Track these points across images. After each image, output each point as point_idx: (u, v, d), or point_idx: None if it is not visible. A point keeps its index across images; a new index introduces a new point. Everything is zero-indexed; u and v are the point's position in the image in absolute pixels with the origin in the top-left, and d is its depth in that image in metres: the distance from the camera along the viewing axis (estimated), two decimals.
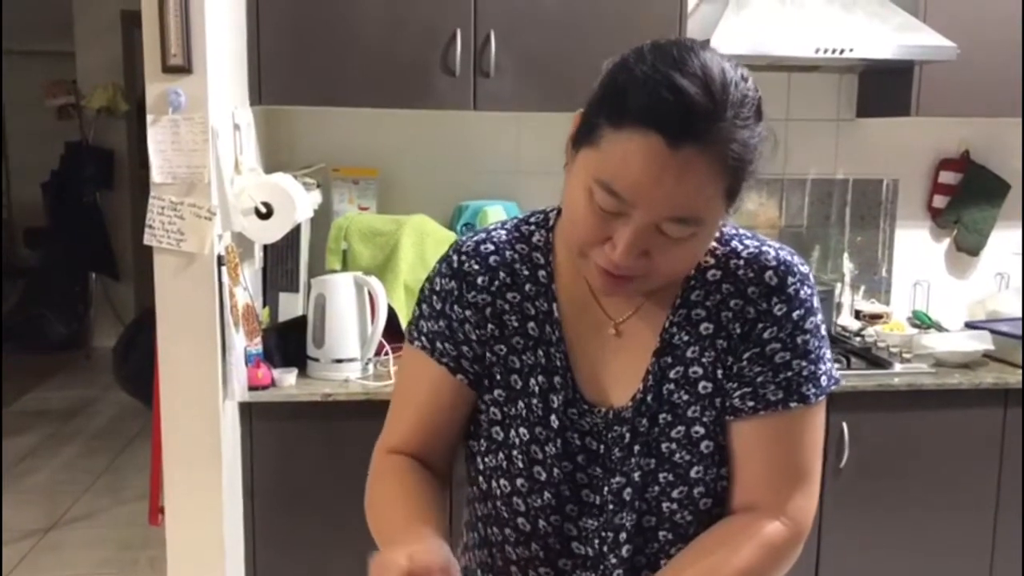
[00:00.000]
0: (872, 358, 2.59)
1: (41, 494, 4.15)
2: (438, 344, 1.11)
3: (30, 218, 6.73)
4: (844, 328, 2.86)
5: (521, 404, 1.08)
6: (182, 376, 2.13)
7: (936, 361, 2.57)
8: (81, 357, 6.31)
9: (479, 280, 1.10)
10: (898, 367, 2.52)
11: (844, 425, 2.42)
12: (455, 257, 1.12)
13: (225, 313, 2.12)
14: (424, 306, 1.13)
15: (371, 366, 2.44)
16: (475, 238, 1.13)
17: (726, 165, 0.92)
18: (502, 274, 1.10)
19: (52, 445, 4.76)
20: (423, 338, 1.12)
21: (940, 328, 2.88)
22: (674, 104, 0.90)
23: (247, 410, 2.29)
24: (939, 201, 3.00)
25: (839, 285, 2.93)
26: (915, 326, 2.92)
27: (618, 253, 0.95)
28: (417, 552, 0.92)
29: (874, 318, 2.88)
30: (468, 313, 1.10)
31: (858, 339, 2.76)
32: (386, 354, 2.44)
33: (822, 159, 2.96)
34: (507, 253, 1.11)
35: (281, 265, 2.62)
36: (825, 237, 2.99)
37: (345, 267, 2.62)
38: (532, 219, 1.14)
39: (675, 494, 1.05)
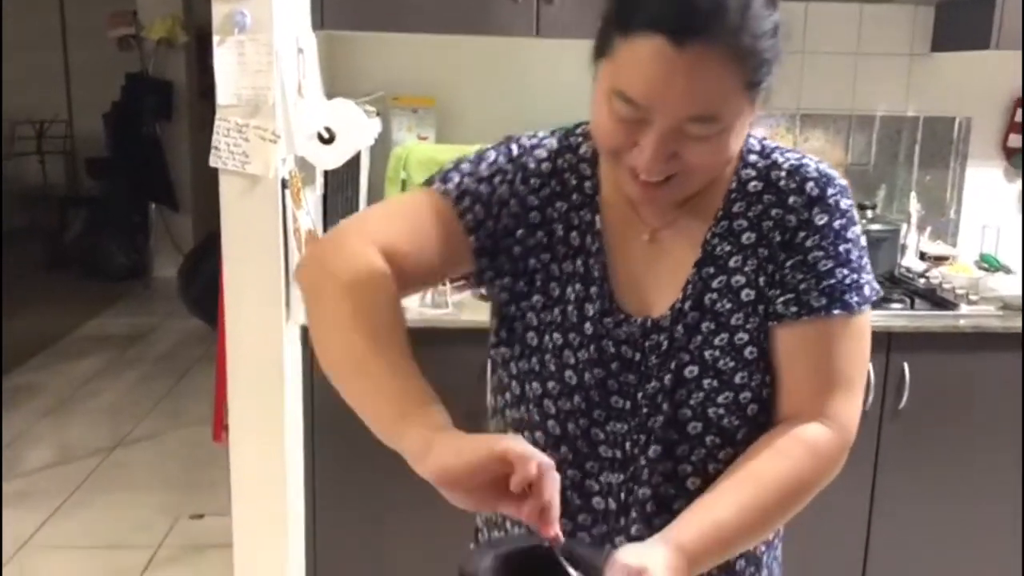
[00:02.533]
0: (937, 299, 2.54)
1: (105, 415, 4.30)
2: (467, 201, 1.09)
3: (92, 149, 6.86)
4: (908, 269, 2.80)
5: (557, 311, 1.10)
6: (246, 298, 2.17)
7: (1003, 304, 2.51)
8: (141, 286, 6.46)
9: (532, 181, 1.12)
10: (964, 309, 2.47)
11: (905, 366, 2.39)
12: (515, 147, 1.13)
13: (288, 237, 2.14)
14: (467, 164, 1.12)
15: (429, 295, 2.45)
16: (530, 142, 1.14)
17: (738, 58, 0.94)
18: (553, 182, 1.12)
19: (115, 369, 4.90)
20: (452, 187, 1.10)
21: (1009, 271, 2.81)
22: (676, 4, 0.92)
23: (308, 334, 2.32)
24: (1014, 140, 2.90)
25: (905, 226, 2.86)
26: (982, 269, 2.85)
27: (646, 159, 0.98)
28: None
29: (939, 260, 2.81)
30: (513, 202, 1.11)
31: (922, 280, 2.71)
32: (444, 285, 2.45)
33: (892, 95, 2.87)
34: (558, 161, 1.13)
35: (341, 193, 2.63)
36: (892, 176, 2.92)
37: None
38: (579, 130, 1.16)
39: (721, 399, 1.06)
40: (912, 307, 2.48)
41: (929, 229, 2.92)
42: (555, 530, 0.90)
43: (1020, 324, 2.40)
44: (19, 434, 4.05)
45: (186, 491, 3.54)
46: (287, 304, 2.20)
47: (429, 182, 1.13)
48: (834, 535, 2.46)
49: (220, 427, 2.34)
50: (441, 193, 1.11)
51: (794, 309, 1.05)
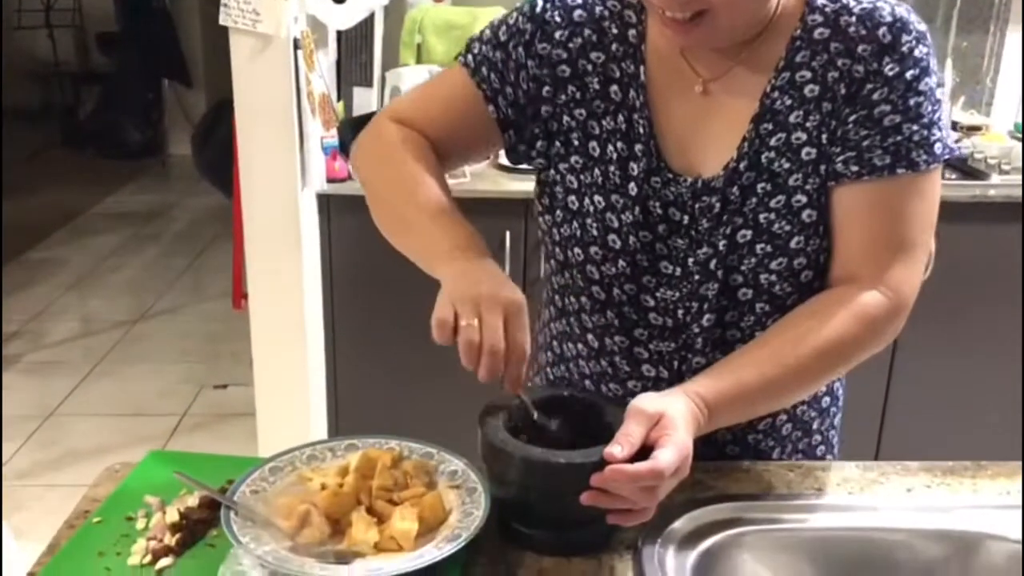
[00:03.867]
0: (968, 169, 2.47)
1: (126, 290, 4.34)
2: (484, 70, 1.08)
3: (102, 23, 6.70)
4: None
5: (598, 171, 1.06)
6: (260, 163, 2.14)
7: None
8: (157, 164, 6.42)
9: (557, 34, 1.05)
10: (995, 179, 2.40)
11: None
12: (539, 1, 1.07)
13: (302, 99, 2.09)
14: (488, 31, 1.10)
15: None
16: None
17: None
18: (587, 31, 1.05)
19: (134, 245, 4.92)
20: (471, 57, 1.09)
21: None
22: None
23: (325, 202, 2.30)
24: None
25: None
26: (1015, 139, 2.76)
27: None
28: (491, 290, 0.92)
29: (972, 129, 2.72)
30: (531, 63, 1.06)
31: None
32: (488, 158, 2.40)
33: None
34: (597, 9, 1.06)
35: (355, 58, 2.56)
36: None
37: (419, 61, 2.55)
38: None
39: (774, 265, 1.02)
40: (942, 177, 2.41)
41: (963, 99, 2.83)
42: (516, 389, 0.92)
43: None
44: (44, 307, 4.10)
45: (209, 362, 3.59)
46: (302, 170, 2.16)
47: (462, 52, 1.11)
48: (851, 401, 2.47)
49: (239, 295, 2.35)
50: (463, 66, 1.09)
51: (855, 168, 0.98)
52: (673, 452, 0.86)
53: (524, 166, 1.15)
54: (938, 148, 0.98)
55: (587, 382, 1.15)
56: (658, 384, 1.10)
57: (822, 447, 1.19)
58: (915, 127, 0.97)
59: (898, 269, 1.00)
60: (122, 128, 6.42)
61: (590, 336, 1.13)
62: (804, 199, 1.01)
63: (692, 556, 0.94)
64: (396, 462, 0.99)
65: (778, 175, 1.01)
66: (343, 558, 0.86)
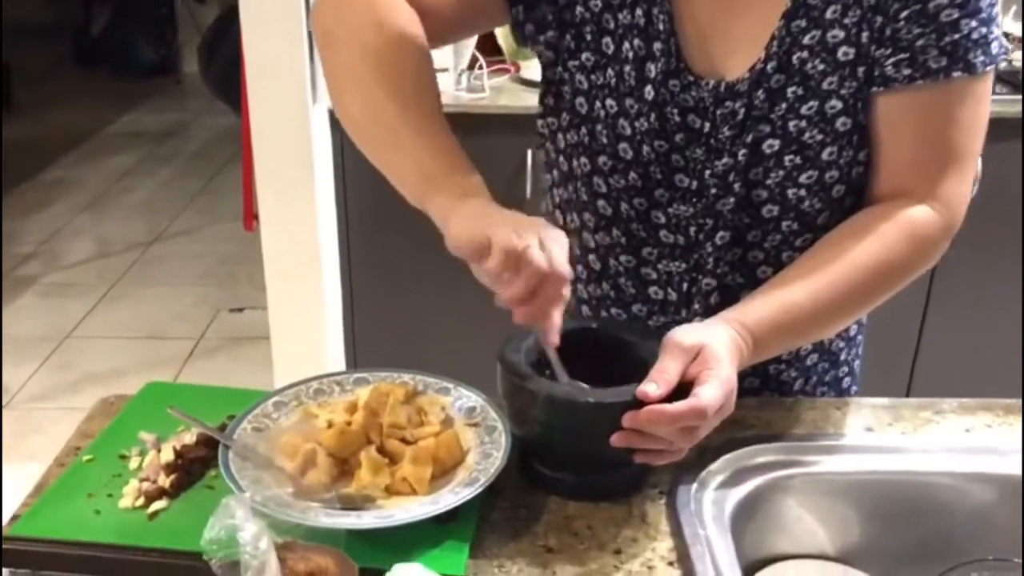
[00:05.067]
0: (1018, 84, 2.32)
1: (140, 211, 4.27)
2: None
3: None
4: None
5: (611, 72, 0.95)
6: (268, 76, 2.03)
7: None
8: (171, 83, 6.29)
9: None
10: None
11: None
12: None
13: (311, 3, 1.97)
14: None
15: (464, 78, 2.29)
16: None
17: None
18: None
19: (148, 166, 4.84)
20: None
21: None
22: None
23: (337, 119, 2.19)
24: None
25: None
26: None
27: None
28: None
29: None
30: None
31: (1003, 64, 2.47)
32: (480, 67, 2.28)
33: None
34: None
35: None
36: None
37: None
38: None
39: (803, 179, 0.93)
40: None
41: (1014, 8, 2.65)
42: (552, 339, 0.82)
43: None
44: (58, 228, 4.04)
45: (225, 285, 3.54)
46: (312, 84, 2.05)
47: None
48: (885, 323, 2.37)
49: (250, 215, 2.26)
50: None
51: (907, 71, 0.88)
52: (716, 388, 0.77)
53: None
54: (995, 47, 0.88)
55: (584, 308, 1.07)
56: (665, 308, 1.01)
57: (848, 379, 1.11)
58: (974, 23, 0.86)
59: (950, 183, 0.91)
60: (136, 45, 6.27)
61: (592, 257, 1.04)
62: (839, 105, 0.90)
63: (731, 502, 0.86)
64: (409, 397, 0.91)
65: (811, 78, 0.90)
66: (351, 503, 0.79)
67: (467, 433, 0.87)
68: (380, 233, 2.31)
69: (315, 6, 0.99)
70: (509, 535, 0.80)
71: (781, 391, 1.05)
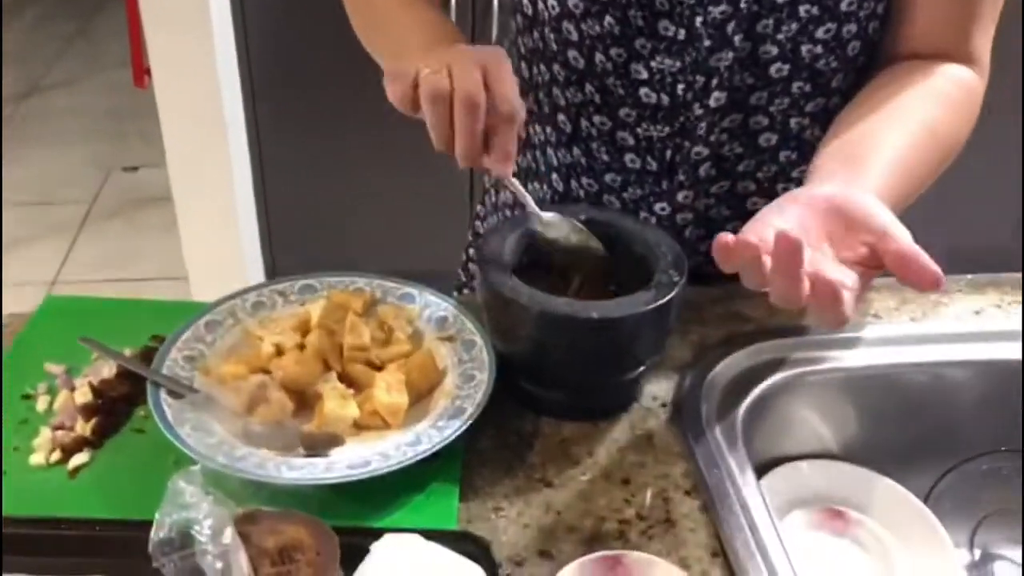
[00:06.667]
0: None
1: (11, 59, 3.83)
2: None
3: None
4: None
5: None
6: None
7: None
8: None
9: None
10: None
11: None
12: None
13: None
14: None
15: None
16: None
17: None
18: None
19: (12, 6, 4.32)
20: None
21: None
22: None
23: None
24: None
25: None
26: None
27: None
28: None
29: None
30: None
31: None
32: None
33: None
34: None
35: None
36: None
37: None
38: None
39: (820, 33, 0.80)
40: None
41: None
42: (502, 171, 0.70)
43: None
44: None
45: (115, 142, 3.24)
46: None
47: None
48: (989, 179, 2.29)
49: (140, 70, 2.01)
50: None
51: None
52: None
53: None
54: None
55: (554, 175, 0.94)
56: (643, 179, 0.89)
57: None
58: None
59: (985, 42, 0.82)
60: None
61: (561, 116, 0.90)
62: None
63: (740, 410, 0.77)
64: (368, 308, 0.78)
65: None
66: (314, 445, 0.67)
67: (441, 349, 0.75)
68: (291, 83, 2.09)
69: None
70: (502, 468, 0.70)
71: None
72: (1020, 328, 0.86)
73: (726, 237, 0.58)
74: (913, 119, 0.76)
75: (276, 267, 2.29)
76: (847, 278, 0.58)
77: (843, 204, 0.63)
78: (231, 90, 2.02)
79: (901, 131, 0.74)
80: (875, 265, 0.62)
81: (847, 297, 0.57)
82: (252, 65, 2.06)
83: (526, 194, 0.74)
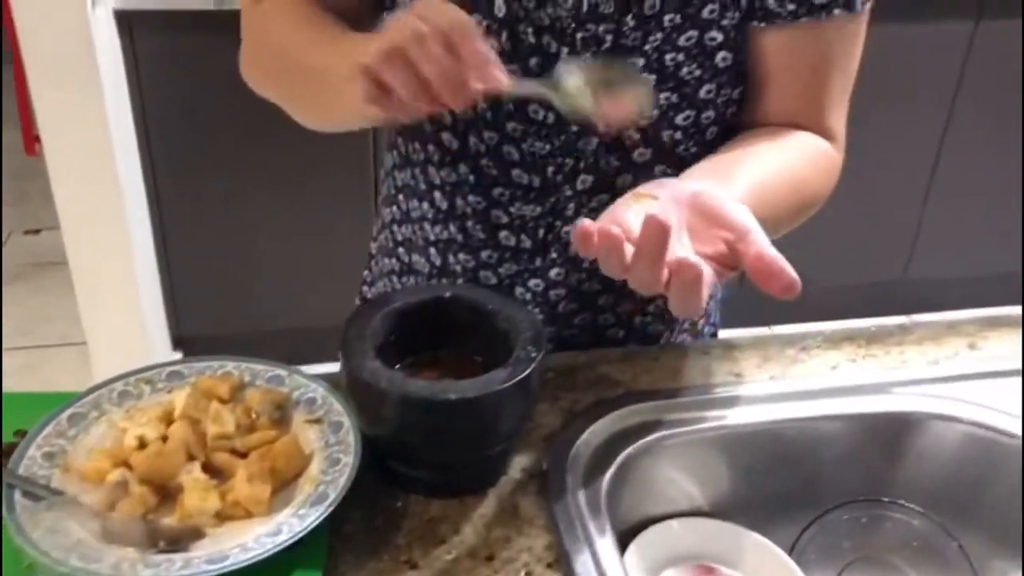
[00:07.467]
0: None
1: None
2: None
3: None
4: None
5: None
6: None
7: None
8: None
9: None
10: None
11: None
12: None
13: None
14: None
15: None
16: None
17: None
18: None
19: None
20: None
21: None
22: None
23: (126, 21, 1.92)
24: None
25: None
26: None
27: None
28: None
29: None
30: None
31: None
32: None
33: None
34: None
35: None
36: None
37: None
38: None
39: (680, 120, 0.84)
40: None
41: None
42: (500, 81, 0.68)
43: None
44: None
45: (16, 204, 3.17)
46: None
47: None
48: (890, 193, 2.43)
49: (31, 138, 1.97)
50: None
51: (791, 7, 0.80)
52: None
53: None
54: None
55: (432, 250, 0.96)
56: (518, 256, 0.91)
57: (709, 328, 1.07)
58: None
59: (841, 121, 0.88)
60: None
61: (437, 194, 0.92)
62: (719, 37, 0.81)
63: (606, 475, 0.79)
64: (235, 392, 0.78)
65: (690, 4, 0.80)
66: (175, 539, 0.67)
67: (308, 432, 0.76)
68: (189, 152, 2.08)
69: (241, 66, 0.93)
70: (367, 551, 0.71)
71: (648, 344, 0.99)
72: (873, 381, 0.91)
73: (588, 226, 0.60)
74: (779, 161, 0.81)
75: (181, 331, 2.26)
76: (705, 270, 0.61)
77: (708, 199, 0.67)
78: (126, 151, 2.00)
79: (767, 167, 0.80)
80: (730, 265, 0.65)
81: (704, 285, 0.60)
82: (149, 127, 2.05)
83: (531, 81, 0.75)
